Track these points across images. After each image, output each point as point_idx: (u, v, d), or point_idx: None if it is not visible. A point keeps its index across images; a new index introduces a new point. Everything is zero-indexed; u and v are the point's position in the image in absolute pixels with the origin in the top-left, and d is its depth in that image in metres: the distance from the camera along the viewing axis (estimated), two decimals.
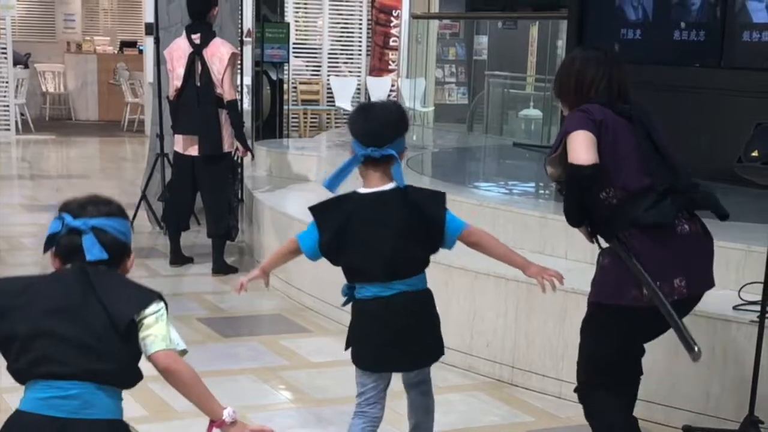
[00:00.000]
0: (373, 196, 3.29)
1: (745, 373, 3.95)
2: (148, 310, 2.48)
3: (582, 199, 3.42)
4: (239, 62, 7.64)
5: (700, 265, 3.48)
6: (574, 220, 3.53)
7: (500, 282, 4.79)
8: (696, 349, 3.30)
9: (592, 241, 3.61)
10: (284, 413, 4.41)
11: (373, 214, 3.27)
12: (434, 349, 3.47)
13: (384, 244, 3.25)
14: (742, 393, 3.98)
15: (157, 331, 2.47)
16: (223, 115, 6.62)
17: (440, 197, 3.37)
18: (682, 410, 4.26)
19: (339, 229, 3.27)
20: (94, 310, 2.43)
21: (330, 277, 5.73)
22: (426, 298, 3.41)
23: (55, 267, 2.55)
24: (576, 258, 5.00)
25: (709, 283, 3.57)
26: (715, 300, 4.34)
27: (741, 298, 4.21)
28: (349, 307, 5.73)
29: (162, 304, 2.52)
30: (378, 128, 3.27)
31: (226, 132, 6.65)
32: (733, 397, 4.10)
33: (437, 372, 3.90)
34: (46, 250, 2.54)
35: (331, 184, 3.34)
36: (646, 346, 3.93)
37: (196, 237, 7.50)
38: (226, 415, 2.51)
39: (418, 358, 3.44)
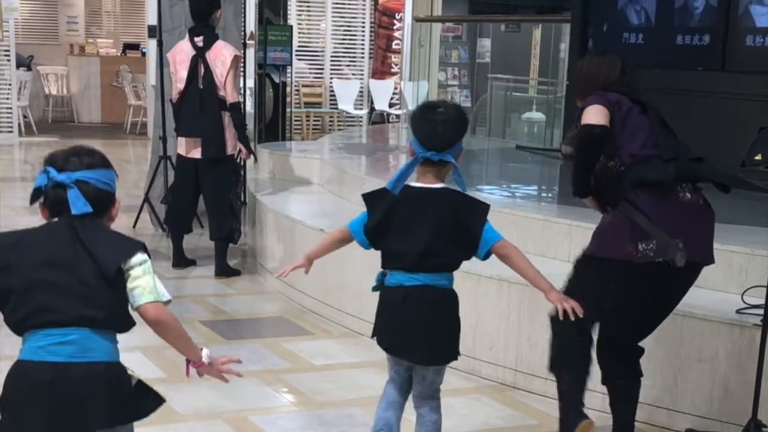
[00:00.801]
0: (421, 191, 3.41)
1: (749, 377, 3.94)
2: (134, 260, 2.62)
3: (590, 168, 3.65)
4: (242, 65, 7.62)
5: (699, 232, 3.64)
6: (581, 190, 3.72)
7: (503, 285, 4.79)
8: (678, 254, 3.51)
9: (605, 211, 3.75)
10: (287, 416, 4.40)
11: (416, 206, 3.39)
12: (446, 349, 3.50)
13: (420, 235, 3.36)
14: (745, 396, 3.97)
15: (144, 283, 2.62)
16: (226, 118, 6.61)
17: (483, 208, 3.44)
18: (686, 414, 4.25)
19: (384, 215, 3.40)
20: (84, 261, 2.57)
21: (333, 279, 5.75)
22: (447, 297, 3.47)
23: (44, 217, 2.67)
24: None
25: (708, 255, 3.71)
26: (719, 303, 4.34)
27: (744, 302, 4.21)
28: (348, 309, 5.77)
29: (146, 255, 2.66)
30: (439, 131, 3.37)
31: (229, 134, 6.65)
32: (736, 401, 4.10)
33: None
34: (32, 202, 2.66)
35: (395, 186, 3.41)
36: (648, 349, 3.94)
37: (199, 240, 7.50)
38: (204, 356, 2.78)
39: (428, 353, 3.47)
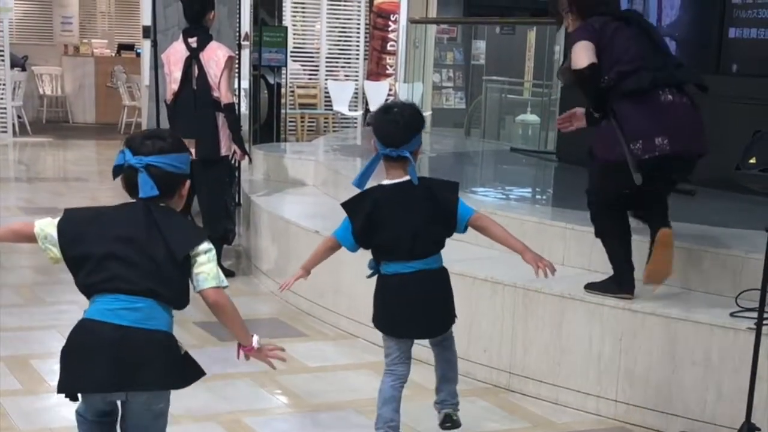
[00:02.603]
0: (394, 187, 3.70)
1: (742, 380, 3.95)
2: (201, 248, 2.92)
3: (596, 93, 4.21)
4: (236, 66, 7.59)
5: (684, 126, 4.19)
6: (598, 105, 4.25)
7: (497, 288, 4.79)
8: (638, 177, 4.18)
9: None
10: (281, 418, 4.40)
11: (395, 201, 3.68)
12: (446, 319, 3.86)
13: (406, 226, 3.66)
14: (738, 400, 3.98)
15: (208, 269, 2.92)
16: (220, 119, 6.61)
17: (453, 186, 3.77)
18: (679, 417, 4.26)
19: (367, 217, 3.68)
20: (157, 243, 2.86)
21: (327, 281, 5.75)
22: (441, 275, 3.79)
23: (124, 189, 2.98)
24: (573, 264, 5.00)
25: (697, 146, 4.27)
26: (713, 306, 4.35)
27: (738, 305, 4.21)
28: (343, 311, 5.78)
29: (211, 244, 2.96)
30: (394, 131, 3.67)
31: (224, 135, 6.64)
32: (729, 404, 4.10)
33: (433, 378, 3.93)
34: (114, 177, 2.97)
35: (359, 182, 3.75)
36: (641, 352, 3.95)
37: None
38: (255, 341, 3.11)
39: (431, 327, 3.85)
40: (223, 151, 6.68)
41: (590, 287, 4.53)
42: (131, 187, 2.93)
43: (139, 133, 3.00)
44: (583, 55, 4.14)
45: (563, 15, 4.43)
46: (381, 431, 3.84)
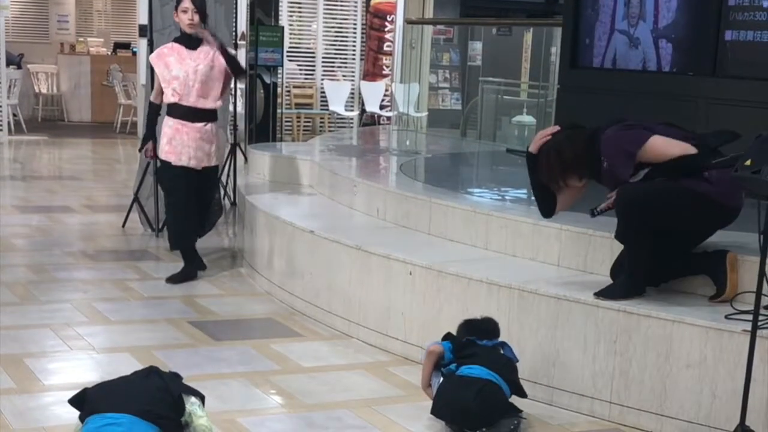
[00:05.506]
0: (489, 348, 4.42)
1: (737, 383, 3.95)
2: (194, 399, 3.49)
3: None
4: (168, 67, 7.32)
5: None
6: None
7: (492, 289, 4.78)
8: None
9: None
10: (275, 418, 4.39)
11: (482, 350, 4.37)
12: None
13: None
14: (733, 402, 3.98)
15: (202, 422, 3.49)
16: (164, 119, 6.65)
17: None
18: (674, 419, 4.26)
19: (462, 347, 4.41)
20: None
21: (322, 281, 5.74)
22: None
23: None
24: (568, 265, 5.00)
25: None
26: (708, 309, 4.35)
27: (733, 308, 4.21)
28: (338, 311, 5.76)
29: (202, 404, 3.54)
30: (491, 329, 4.47)
31: (162, 136, 6.66)
32: (724, 406, 4.10)
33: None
34: None
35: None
36: (637, 354, 3.94)
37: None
38: None
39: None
40: (160, 154, 6.67)
41: (609, 295, 4.49)
42: None
43: None
44: (671, 143, 4.40)
45: (563, 184, 4.58)
46: None
